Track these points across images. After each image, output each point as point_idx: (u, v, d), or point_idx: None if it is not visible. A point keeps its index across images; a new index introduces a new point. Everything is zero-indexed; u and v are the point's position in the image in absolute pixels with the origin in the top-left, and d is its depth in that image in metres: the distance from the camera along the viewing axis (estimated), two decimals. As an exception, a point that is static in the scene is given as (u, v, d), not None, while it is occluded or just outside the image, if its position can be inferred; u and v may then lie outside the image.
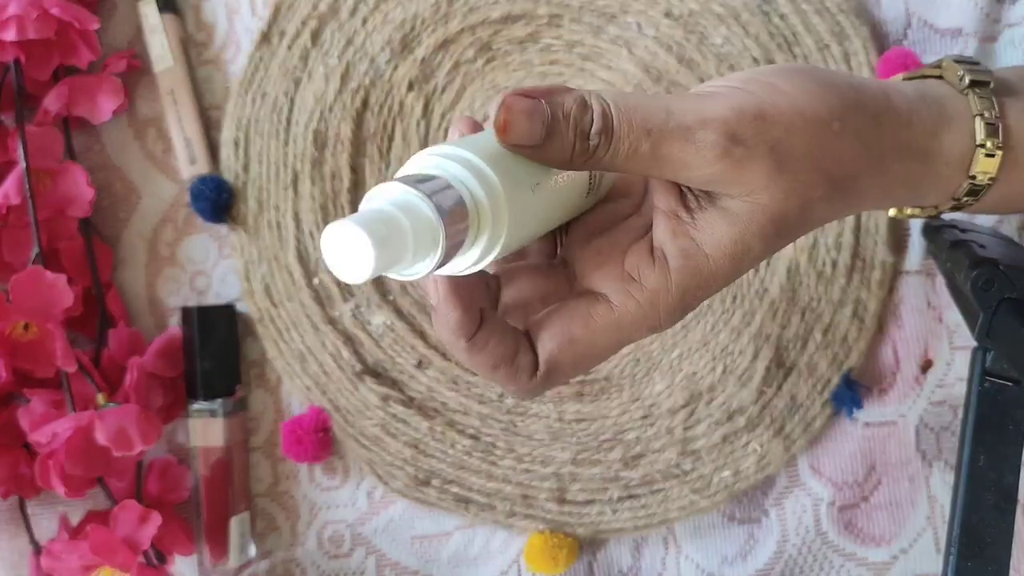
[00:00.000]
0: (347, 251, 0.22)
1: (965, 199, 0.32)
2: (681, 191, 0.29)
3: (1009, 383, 0.38)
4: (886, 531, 0.49)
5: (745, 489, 0.49)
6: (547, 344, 0.29)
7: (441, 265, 0.25)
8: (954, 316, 0.49)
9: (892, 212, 0.36)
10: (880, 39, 0.49)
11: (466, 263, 0.26)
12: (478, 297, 0.29)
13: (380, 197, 0.24)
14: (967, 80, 0.32)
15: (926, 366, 0.49)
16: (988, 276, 0.37)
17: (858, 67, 0.49)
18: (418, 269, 0.24)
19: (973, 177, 0.31)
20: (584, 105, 0.27)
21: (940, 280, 0.49)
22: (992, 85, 0.32)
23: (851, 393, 0.49)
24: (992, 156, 0.31)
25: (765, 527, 0.50)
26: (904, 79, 0.35)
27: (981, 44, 0.48)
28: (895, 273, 0.49)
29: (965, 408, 0.39)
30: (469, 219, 0.25)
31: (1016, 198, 0.33)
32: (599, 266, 0.30)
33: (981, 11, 0.48)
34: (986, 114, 0.31)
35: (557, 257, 0.32)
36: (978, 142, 0.31)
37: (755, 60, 0.49)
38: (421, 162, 0.26)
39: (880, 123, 0.29)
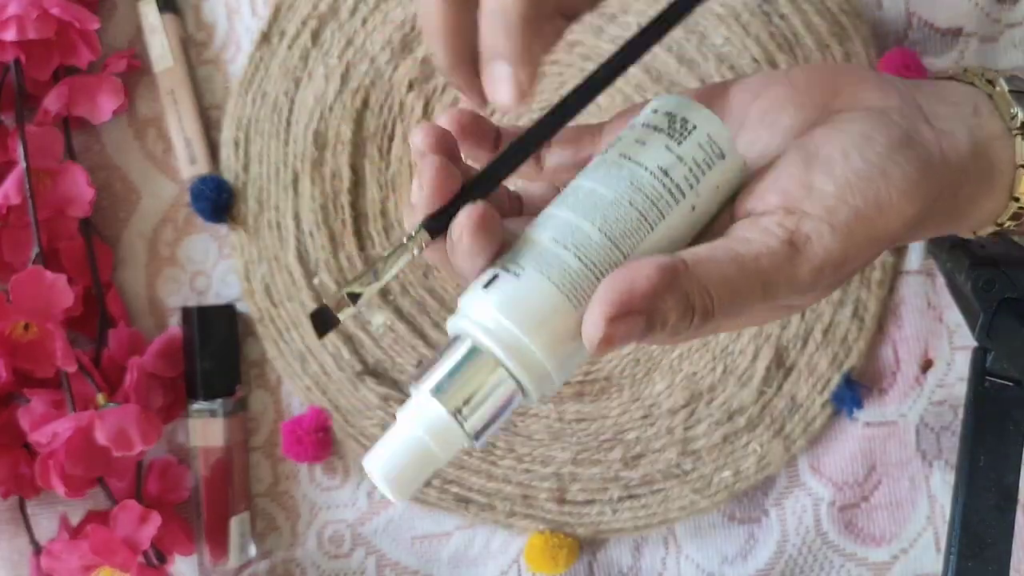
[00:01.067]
0: (383, 483, 0.25)
1: (1008, 224, 0.32)
2: None
3: (1009, 383, 0.38)
4: (886, 531, 0.49)
5: (745, 489, 0.49)
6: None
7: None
8: (954, 316, 0.49)
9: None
10: (880, 39, 0.49)
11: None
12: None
13: (417, 422, 0.26)
14: (1019, 120, 0.30)
15: (926, 366, 0.49)
16: (988, 276, 0.37)
17: (858, 67, 0.49)
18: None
19: (1017, 199, 0.31)
20: (685, 311, 0.25)
21: (940, 280, 0.49)
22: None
23: (851, 393, 0.49)
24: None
25: (765, 527, 0.50)
26: (959, 84, 0.33)
27: (981, 44, 0.48)
28: (895, 273, 0.49)
29: (965, 408, 0.39)
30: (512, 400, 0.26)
31: None
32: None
33: (982, 11, 0.48)
34: None
35: None
36: (1020, 163, 0.30)
37: (755, 60, 0.49)
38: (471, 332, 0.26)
39: (954, 195, 0.29)
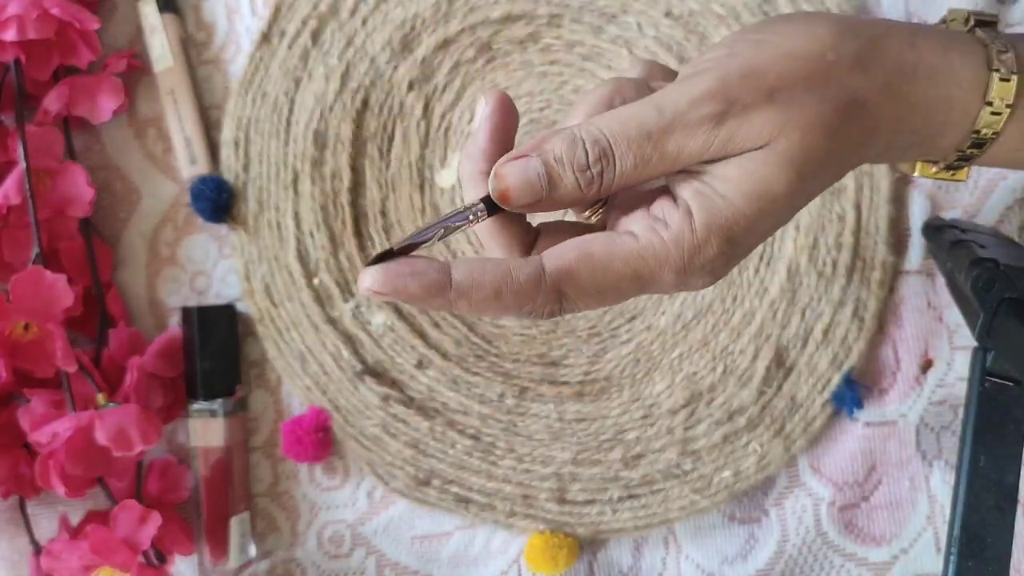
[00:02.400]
0: None
1: (984, 131, 0.31)
2: None
3: (1009, 383, 0.38)
4: (886, 531, 0.49)
5: (745, 489, 0.49)
6: (562, 255, 0.28)
7: None
8: (954, 316, 0.49)
9: (917, 171, 0.35)
10: (880, 39, 0.49)
11: None
12: (515, 238, 0.30)
13: None
14: (973, 20, 0.32)
15: (926, 366, 0.49)
16: (988, 276, 0.37)
17: (858, 67, 0.49)
18: None
19: (990, 103, 0.30)
20: (573, 141, 0.27)
21: (940, 280, 0.49)
22: (998, 24, 0.31)
23: (851, 393, 0.49)
24: (1007, 81, 0.30)
25: (765, 527, 0.50)
26: None
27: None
28: (895, 273, 0.49)
29: (966, 408, 0.39)
30: None
31: None
32: (625, 212, 0.30)
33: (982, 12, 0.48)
34: (996, 44, 0.30)
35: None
36: (992, 66, 0.30)
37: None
38: None
39: (879, 45, 0.29)
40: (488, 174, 0.29)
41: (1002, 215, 0.49)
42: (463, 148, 0.30)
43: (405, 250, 0.28)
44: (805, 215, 0.49)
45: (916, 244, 0.49)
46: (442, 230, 0.28)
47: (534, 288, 0.27)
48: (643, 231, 0.28)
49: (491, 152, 0.29)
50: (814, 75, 0.28)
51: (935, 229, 0.47)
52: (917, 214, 0.49)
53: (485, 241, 0.30)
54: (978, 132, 0.31)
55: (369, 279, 0.28)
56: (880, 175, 0.49)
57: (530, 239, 0.31)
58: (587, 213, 0.32)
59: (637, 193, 0.30)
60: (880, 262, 0.49)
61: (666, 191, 0.29)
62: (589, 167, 0.27)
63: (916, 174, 0.35)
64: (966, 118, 0.31)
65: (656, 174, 0.28)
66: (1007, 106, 0.30)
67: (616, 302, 0.29)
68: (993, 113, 0.30)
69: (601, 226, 0.31)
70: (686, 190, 0.28)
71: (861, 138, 0.29)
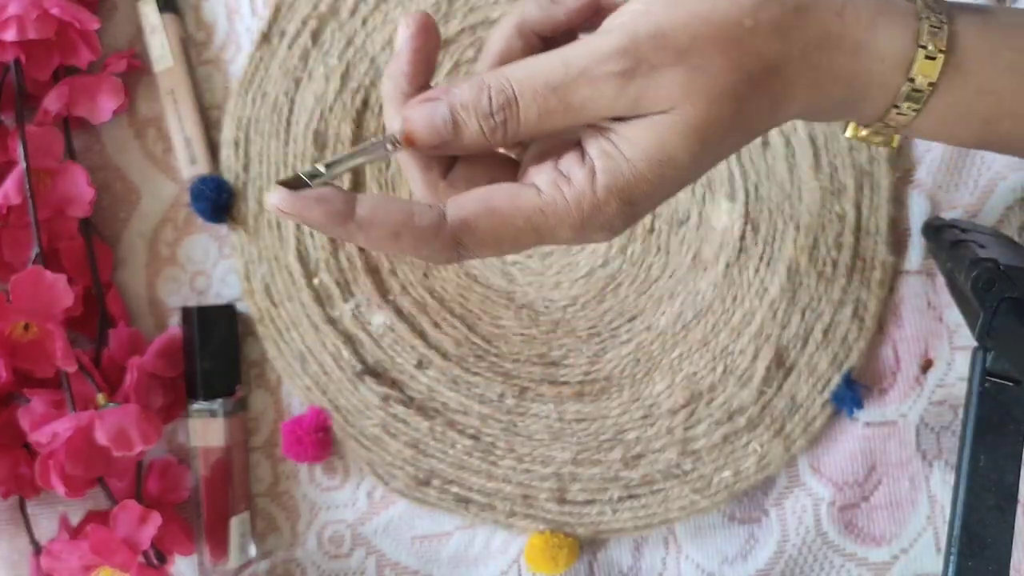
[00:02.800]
0: None
1: (905, 105, 0.30)
2: None
3: (1010, 383, 0.38)
4: (886, 531, 0.49)
5: (745, 489, 0.49)
6: (464, 206, 0.29)
7: None
8: (954, 316, 0.49)
9: (849, 133, 0.35)
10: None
11: None
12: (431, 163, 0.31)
13: None
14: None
15: (926, 366, 0.49)
16: (988, 276, 0.37)
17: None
18: None
19: (912, 79, 0.30)
20: (479, 88, 0.28)
21: (940, 280, 0.49)
22: None
23: (851, 393, 0.49)
24: (933, 59, 0.30)
25: (765, 527, 0.50)
26: None
27: None
28: (895, 273, 0.49)
29: (965, 408, 0.39)
30: None
31: (962, 118, 0.31)
32: (538, 162, 0.30)
33: (981, 11, 0.48)
34: (931, 18, 0.30)
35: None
36: (920, 43, 0.30)
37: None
38: None
39: (804, 13, 0.28)
40: (409, 96, 0.30)
41: (1002, 215, 0.49)
42: (386, 67, 0.31)
43: (314, 175, 0.29)
44: (805, 215, 0.49)
45: (916, 244, 0.49)
46: (361, 159, 0.29)
47: (432, 235, 0.28)
48: (546, 186, 0.28)
49: (412, 74, 0.30)
50: (728, 40, 0.27)
51: (935, 229, 0.47)
52: (917, 214, 0.49)
53: (403, 161, 0.31)
54: (898, 106, 0.31)
55: (276, 197, 0.28)
56: (880, 175, 0.49)
57: (448, 161, 0.31)
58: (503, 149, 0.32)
59: (552, 141, 0.30)
60: (880, 262, 0.49)
61: (577, 144, 0.30)
62: (492, 115, 0.28)
63: (848, 135, 0.35)
64: (887, 92, 0.30)
65: (562, 126, 0.28)
66: (930, 84, 0.30)
67: (514, 252, 0.30)
68: (914, 90, 0.30)
69: (515, 161, 0.32)
70: (594, 147, 0.28)
71: (772, 106, 0.29)
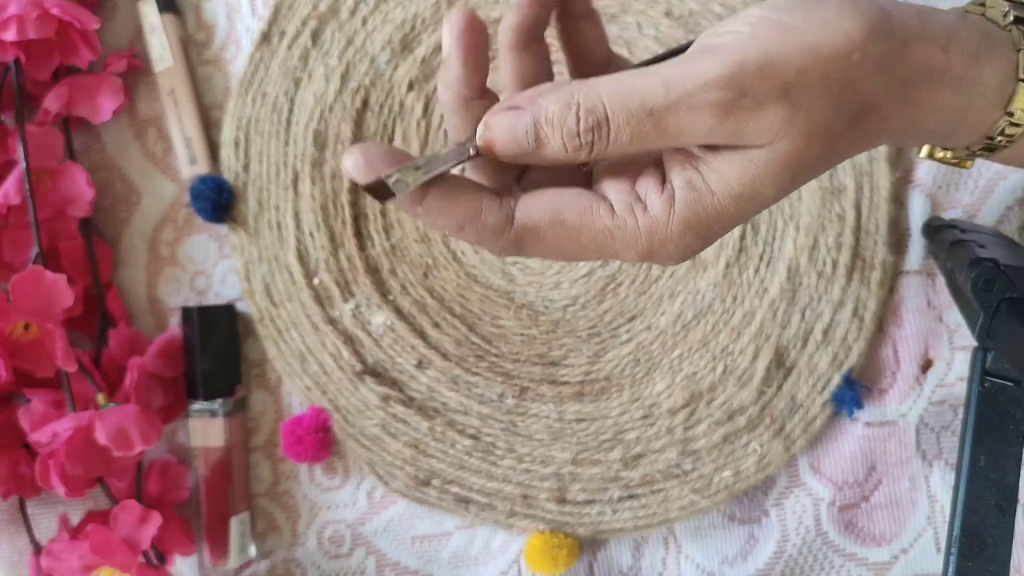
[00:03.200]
0: None
1: (999, 139, 0.30)
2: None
3: (1009, 383, 0.38)
4: (886, 531, 0.49)
5: (745, 489, 0.49)
6: (534, 210, 0.28)
7: None
8: (954, 316, 0.49)
9: (923, 153, 0.34)
10: (880, 39, 0.49)
11: None
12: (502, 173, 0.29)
13: None
14: (1012, 16, 0.30)
15: (926, 366, 0.49)
16: (988, 276, 0.37)
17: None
18: None
19: (1011, 113, 0.29)
20: (567, 104, 0.26)
21: (940, 280, 0.49)
22: None
23: (851, 393, 0.49)
24: None
25: (765, 527, 0.50)
26: None
27: None
28: (895, 273, 0.49)
29: (965, 408, 0.39)
30: None
31: None
32: (613, 176, 0.29)
33: (981, 11, 0.48)
34: None
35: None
36: (1020, 75, 0.29)
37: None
38: None
39: (909, 47, 0.27)
40: (469, 99, 0.29)
41: (1002, 215, 0.49)
42: (438, 75, 0.29)
43: (388, 191, 0.27)
44: (805, 215, 0.49)
45: (916, 244, 0.49)
46: (440, 168, 0.27)
47: (497, 234, 0.28)
48: (620, 207, 0.28)
49: (467, 77, 0.29)
50: (834, 75, 0.26)
51: (935, 229, 0.47)
52: (917, 214, 0.49)
53: (473, 164, 0.30)
54: (992, 139, 0.30)
55: (351, 162, 0.27)
56: (880, 175, 0.49)
57: (520, 166, 0.30)
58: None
59: (627, 159, 0.30)
60: (880, 262, 0.49)
61: (657, 164, 0.29)
62: (579, 135, 0.26)
63: (922, 156, 0.34)
64: (982, 125, 0.30)
65: (651, 148, 0.27)
66: None
67: (571, 261, 0.29)
68: (1013, 124, 0.29)
69: (587, 173, 0.31)
70: (678, 176, 0.27)
71: (864, 140, 0.28)
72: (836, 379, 0.49)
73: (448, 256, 0.51)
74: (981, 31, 0.29)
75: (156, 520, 0.46)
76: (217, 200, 0.51)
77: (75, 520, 0.50)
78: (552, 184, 0.30)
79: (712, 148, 0.27)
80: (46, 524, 0.51)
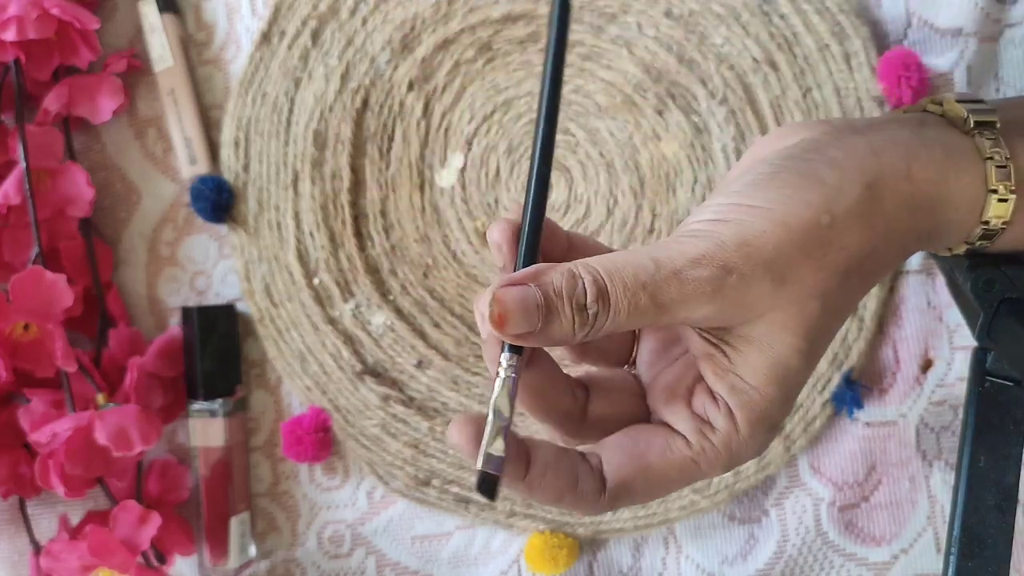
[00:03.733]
0: None
1: (979, 243, 0.31)
2: (704, 336, 0.29)
3: (1009, 383, 0.38)
4: (886, 531, 0.49)
5: (745, 489, 0.49)
6: (621, 469, 0.29)
7: None
8: (954, 316, 0.49)
9: None
10: (880, 39, 0.49)
11: None
12: (562, 409, 0.30)
13: None
14: (972, 122, 0.31)
15: (926, 366, 0.49)
16: (988, 276, 0.37)
17: (858, 66, 0.49)
18: None
19: (986, 223, 0.30)
20: (573, 277, 0.27)
21: (940, 280, 0.49)
22: (998, 125, 0.31)
23: (851, 393, 0.49)
24: (1005, 201, 0.30)
25: (765, 527, 0.50)
26: (903, 112, 0.34)
27: (981, 44, 0.48)
28: (895, 273, 0.49)
29: (965, 408, 0.39)
30: None
31: None
32: (669, 402, 0.30)
33: (982, 11, 0.48)
34: (996, 157, 0.30)
35: (632, 366, 0.33)
36: (990, 187, 0.30)
37: (755, 60, 0.49)
38: None
39: (875, 190, 0.28)
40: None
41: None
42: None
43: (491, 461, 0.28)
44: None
45: (916, 244, 0.49)
46: (509, 415, 0.28)
47: (595, 500, 0.28)
48: (693, 435, 0.28)
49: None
50: (809, 243, 0.27)
51: (935, 229, 0.47)
52: (917, 214, 0.49)
53: (537, 416, 0.30)
54: (972, 244, 0.31)
55: (455, 436, 0.28)
56: (880, 175, 0.49)
57: (580, 402, 0.31)
58: (624, 368, 0.32)
59: (673, 379, 0.30)
60: (880, 262, 0.49)
61: (700, 381, 0.29)
62: (586, 307, 0.26)
63: None
64: (961, 232, 0.31)
65: (648, 325, 0.28)
66: (1003, 224, 0.30)
67: (664, 496, 0.30)
68: (988, 231, 0.31)
69: (643, 395, 0.31)
70: (721, 386, 0.28)
71: (868, 284, 0.29)
72: (836, 379, 0.49)
73: (448, 256, 0.51)
74: (942, 147, 0.30)
75: (156, 520, 0.46)
76: (217, 200, 0.51)
77: (75, 520, 0.50)
78: (621, 409, 0.31)
79: (730, 346, 0.28)
80: (46, 524, 0.51)
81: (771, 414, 0.28)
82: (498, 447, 0.27)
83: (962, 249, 0.32)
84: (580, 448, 0.29)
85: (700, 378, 0.29)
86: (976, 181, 0.30)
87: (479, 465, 0.27)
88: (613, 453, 0.29)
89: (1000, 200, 0.30)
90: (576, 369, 0.33)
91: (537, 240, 0.29)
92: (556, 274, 0.27)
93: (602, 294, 0.26)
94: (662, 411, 0.30)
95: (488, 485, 0.27)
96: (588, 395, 0.31)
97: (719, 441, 0.28)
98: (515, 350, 0.28)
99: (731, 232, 0.27)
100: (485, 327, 0.28)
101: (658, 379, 0.31)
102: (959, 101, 0.31)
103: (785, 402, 0.28)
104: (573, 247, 0.31)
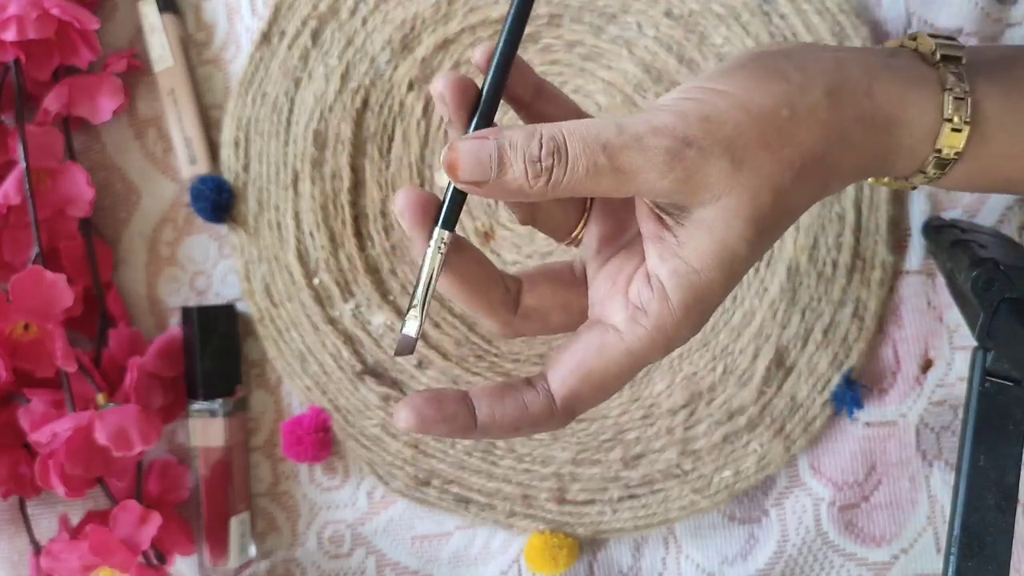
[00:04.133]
0: None
1: (932, 171, 0.32)
2: (659, 215, 0.30)
3: (1009, 383, 0.38)
4: (886, 531, 0.49)
5: (745, 489, 0.49)
6: (565, 380, 0.30)
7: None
8: (954, 316, 0.49)
9: (870, 180, 0.36)
10: (880, 39, 0.49)
11: None
12: (493, 299, 0.31)
13: None
14: (939, 55, 0.32)
15: (926, 366, 0.49)
16: (988, 276, 0.37)
17: (858, 67, 0.49)
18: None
19: (939, 151, 0.31)
20: (531, 133, 0.28)
21: (940, 280, 0.49)
22: (964, 61, 0.32)
23: (851, 393, 0.49)
24: (959, 131, 0.31)
25: (765, 527, 0.50)
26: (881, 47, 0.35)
27: (981, 44, 0.48)
28: (895, 273, 0.49)
29: (965, 408, 0.39)
30: None
31: (986, 177, 0.33)
32: (609, 296, 0.31)
33: (982, 11, 0.48)
34: (955, 89, 0.31)
35: (577, 260, 0.33)
36: (945, 116, 0.31)
37: (755, 60, 0.49)
38: None
39: (835, 97, 0.29)
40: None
41: (1002, 215, 0.49)
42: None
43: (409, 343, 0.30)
44: (805, 215, 0.49)
45: (916, 244, 0.49)
46: (428, 283, 0.29)
47: (548, 417, 0.30)
48: (626, 325, 0.29)
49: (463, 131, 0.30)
50: (768, 132, 0.28)
51: (935, 229, 0.47)
52: (917, 214, 0.49)
53: (467, 304, 0.31)
54: (924, 171, 0.32)
55: (403, 422, 0.29)
56: (880, 175, 0.49)
57: (512, 294, 0.31)
58: (565, 243, 0.33)
59: (614, 269, 0.31)
60: (880, 262, 0.49)
61: (640, 268, 0.30)
62: (540, 160, 0.28)
63: (869, 181, 0.36)
64: (914, 159, 0.32)
65: (607, 191, 0.28)
66: (955, 154, 0.31)
67: (616, 391, 0.31)
68: (940, 159, 0.31)
69: (582, 284, 0.32)
70: (664, 270, 0.29)
71: (819, 189, 0.30)
72: (836, 379, 0.49)
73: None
74: (905, 71, 0.31)
75: (156, 520, 0.46)
76: (217, 200, 0.51)
77: (75, 520, 0.50)
78: (553, 300, 0.32)
79: (681, 227, 0.29)
80: (46, 524, 0.51)
81: (709, 297, 0.29)
82: (411, 327, 0.29)
83: (917, 179, 0.33)
84: (525, 376, 0.31)
85: (640, 266, 0.30)
86: (933, 109, 0.31)
87: (395, 353, 0.30)
88: (556, 368, 0.30)
89: (954, 130, 0.31)
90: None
91: (498, 95, 0.30)
92: (516, 130, 0.28)
93: (559, 148, 0.28)
94: (601, 306, 0.31)
95: (404, 353, 0.29)
96: (521, 288, 0.32)
97: (651, 324, 0.29)
98: (446, 227, 0.29)
99: (694, 108, 0.28)
100: (405, 220, 0.29)
101: (600, 272, 0.32)
102: (932, 36, 0.33)
103: (725, 287, 0.29)
104: (543, 93, 0.32)
